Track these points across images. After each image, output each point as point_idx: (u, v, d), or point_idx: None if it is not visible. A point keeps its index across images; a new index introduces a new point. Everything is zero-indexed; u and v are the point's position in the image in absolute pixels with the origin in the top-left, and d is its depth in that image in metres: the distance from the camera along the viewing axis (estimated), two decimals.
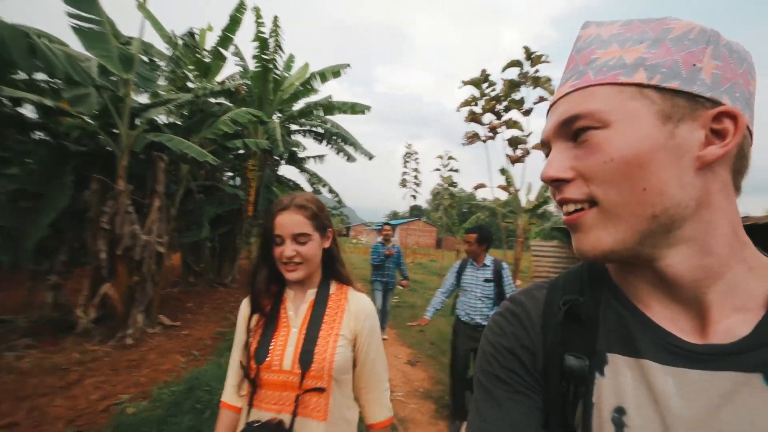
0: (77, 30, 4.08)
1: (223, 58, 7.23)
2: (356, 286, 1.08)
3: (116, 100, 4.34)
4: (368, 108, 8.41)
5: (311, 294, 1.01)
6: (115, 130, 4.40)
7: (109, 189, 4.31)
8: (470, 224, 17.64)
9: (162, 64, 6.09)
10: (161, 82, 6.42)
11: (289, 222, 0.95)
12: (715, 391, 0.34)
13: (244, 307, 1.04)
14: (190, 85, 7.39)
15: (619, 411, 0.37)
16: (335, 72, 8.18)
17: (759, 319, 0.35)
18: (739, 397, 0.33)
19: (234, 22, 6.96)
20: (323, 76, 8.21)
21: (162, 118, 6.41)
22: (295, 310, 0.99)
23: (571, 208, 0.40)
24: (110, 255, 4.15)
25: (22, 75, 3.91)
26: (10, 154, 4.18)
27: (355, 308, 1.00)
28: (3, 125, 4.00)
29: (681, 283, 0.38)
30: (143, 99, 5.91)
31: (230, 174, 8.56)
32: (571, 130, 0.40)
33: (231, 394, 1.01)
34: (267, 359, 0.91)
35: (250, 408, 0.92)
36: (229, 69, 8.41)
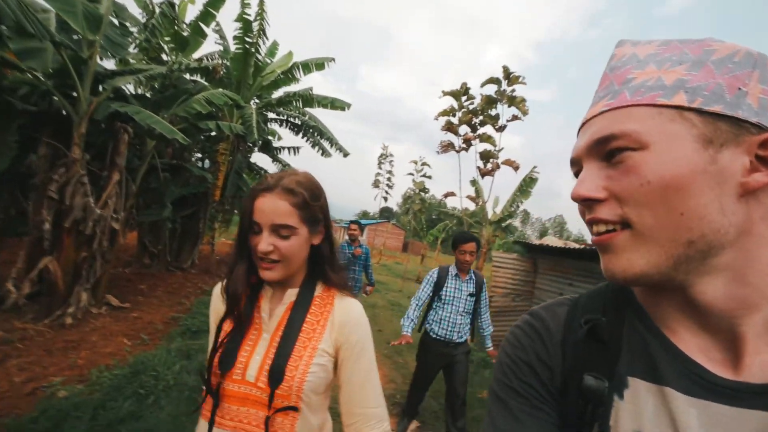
0: None
1: (204, 35, 6.95)
2: (350, 292, 0.91)
3: (78, 61, 4.04)
4: (348, 105, 8.39)
5: (291, 295, 0.85)
6: (73, 93, 4.09)
7: (61, 156, 4.01)
8: (438, 231, 18.02)
9: (134, 30, 5.77)
10: (132, 50, 6.08)
11: (271, 209, 0.77)
12: (741, 429, 0.33)
13: (217, 302, 0.88)
14: (164, 57, 7.04)
15: None
16: (319, 64, 8.10)
17: None
18: None
19: None
20: (306, 67, 8.10)
21: (130, 89, 6.08)
22: (270, 312, 0.83)
23: (602, 228, 0.39)
24: (55, 227, 3.87)
25: None
26: None
27: (341, 316, 0.83)
28: None
29: (714, 312, 0.36)
30: (110, 65, 5.57)
31: (199, 155, 8.23)
32: (605, 150, 0.39)
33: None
34: (231, 367, 0.78)
35: (212, 426, 0.78)
36: (209, 47, 8.06)
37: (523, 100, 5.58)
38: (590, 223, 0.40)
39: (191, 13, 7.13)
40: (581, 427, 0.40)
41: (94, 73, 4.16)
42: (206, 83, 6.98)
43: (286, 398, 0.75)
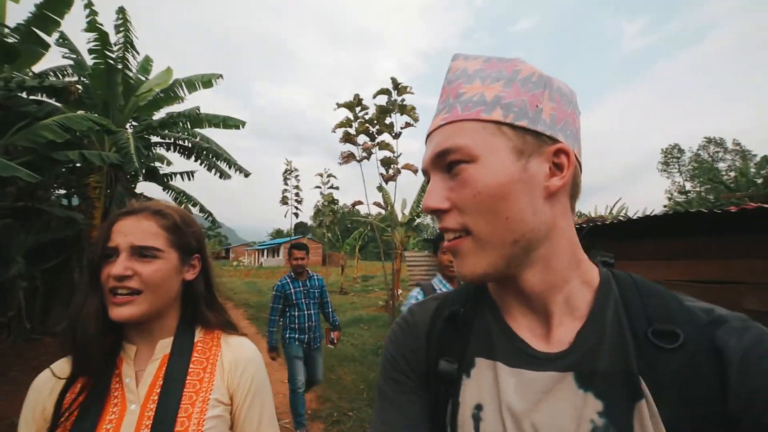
0: None
1: (44, 45, 5.65)
2: (236, 330, 0.81)
3: None
4: (243, 123, 7.96)
5: (164, 346, 0.71)
6: None
7: None
8: (354, 240, 18.23)
9: None
10: None
11: (133, 229, 0.67)
12: (538, 388, 0.40)
13: (42, 384, 0.67)
14: None
15: (478, 408, 0.42)
16: (206, 82, 7.52)
17: (580, 327, 0.41)
18: (554, 392, 0.39)
19: (60, 1, 5.54)
20: (191, 84, 7.45)
21: None
22: (136, 376, 0.68)
23: (451, 236, 0.43)
24: None
25: None
26: None
27: (231, 357, 0.73)
28: None
29: (533, 296, 0.43)
30: None
31: (62, 192, 6.85)
32: (445, 162, 0.43)
33: None
34: None
35: None
36: (53, 60, 6.68)
37: (413, 108, 6.06)
38: (441, 231, 0.44)
39: (17, 14, 5.74)
40: (438, 407, 0.45)
41: None
42: (57, 104, 5.84)
43: None
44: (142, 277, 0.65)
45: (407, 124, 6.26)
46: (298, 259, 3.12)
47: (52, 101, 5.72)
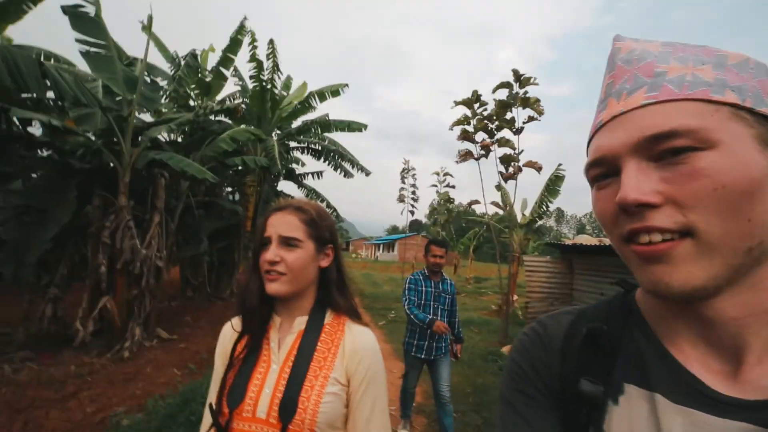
0: (85, 54, 4.32)
1: (224, 78, 7.51)
2: (359, 319, 0.88)
3: (120, 119, 4.53)
4: (365, 126, 8.65)
5: (300, 323, 0.82)
6: (117, 148, 4.57)
7: (110, 204, 4.45)
8: (468, 240, 17.78)
9: (164, 83, 6.35)
10: (164, 101, 6.68)
11: (280, 222, 0.81)
12: None
13: (227, 333, 0.86)
14: (191, 103, 7.66)
15: None
16: (334, 91, 8.45)
17: None
18: None
19: (234, 44, 7.25)
20: (322, 95, 8.48)
21: (164, 136, 6.65)
22: (279, 342, 0.81)
23: (658, 238, 0.34)
24: (110, 269, 4.25)
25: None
26: (15, 169, 4.34)
27: (352, 344, 0.80)
28: (11, 143, 4.18)
29: (722, 323, 0.35)
30: (146, 117, 6.15)
31: (229, 190, 8.72)
32: (660, 149, 0.34)
33: None
34: (240, 403, 0.74)
35: None
36: (229, 88, 8.77)
37: (537, 101, 5.52)
38: (639, 231, 0.34)
39: (212, 59, 7.75)
40: (577, 430, 0.40)
41: (133, 127, 4.63)
42: (230, 122, 7.50)
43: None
44: (286, 262, 0.78)
45: (530, 118, 5.75)
46: (437, 257, 2.73)
47: (226, 120, 7.36)
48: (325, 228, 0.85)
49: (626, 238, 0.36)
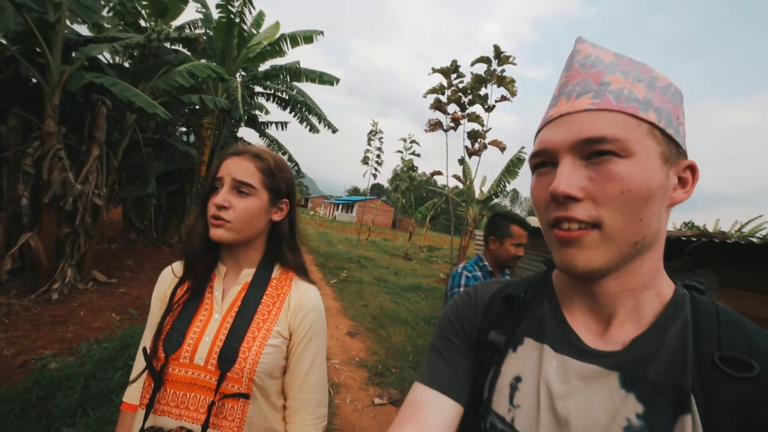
0: None
1: (184, 0, 6.60)
2: (307, 276, 0.88)
3: (44, 24, 3.76)
4: (337, 80, 8.20)
5: (246, 275, 0.82)
6: (42, 61, 3.88)
7: (34, 128, 3.90)
8: (426, 209, 18.18)
9: None
10: (106, 13, 5.75)
11: (235, 167, 0.78)
12: (578, 376, 0.43)
13: (167, 276, 0.85)
14: (142, 23, 6.70)
15: (517, 379, 0.47)
16: (307, 37, 7.83)
17: (639, 333, 0.42)
18: (594, 384, 0.42)
19: None
20: (294, 39, 7.82)
21: (106, 57, 5.81)
22: (223, 291, 0.80)
23: (575, 226, 0.41)
24: (33, 202, 3.81)
25: None
26: None
27: (297, 300, 0.81)
28: None
29: (605, 297, 0.44)
30: (83, 30, 5.28)
31: (183, 130, 8.03)
32: (590, 150, 0.40)
33: (136, 391, 0.83)
34: (178, 349, 0.73)
35: (148, 411, 0.73)
36: (189, 14, 7.75)
37: (512, 81, 5.53)
38: (559, 220, 0.42)
39: None
40: (482, 370, 0.51)
41: (63, 38, 3.94)
42: (188, 53, 6.71)
43: (237, 382, 0.72)
44: (235, 210, 0.76)
45: (503, 98, 5.79)
46: (521, 247, 1.74)
47: (183, 50, 6.58)
48: (281, 180, 0.83)
49: (552, 223, 0.43)
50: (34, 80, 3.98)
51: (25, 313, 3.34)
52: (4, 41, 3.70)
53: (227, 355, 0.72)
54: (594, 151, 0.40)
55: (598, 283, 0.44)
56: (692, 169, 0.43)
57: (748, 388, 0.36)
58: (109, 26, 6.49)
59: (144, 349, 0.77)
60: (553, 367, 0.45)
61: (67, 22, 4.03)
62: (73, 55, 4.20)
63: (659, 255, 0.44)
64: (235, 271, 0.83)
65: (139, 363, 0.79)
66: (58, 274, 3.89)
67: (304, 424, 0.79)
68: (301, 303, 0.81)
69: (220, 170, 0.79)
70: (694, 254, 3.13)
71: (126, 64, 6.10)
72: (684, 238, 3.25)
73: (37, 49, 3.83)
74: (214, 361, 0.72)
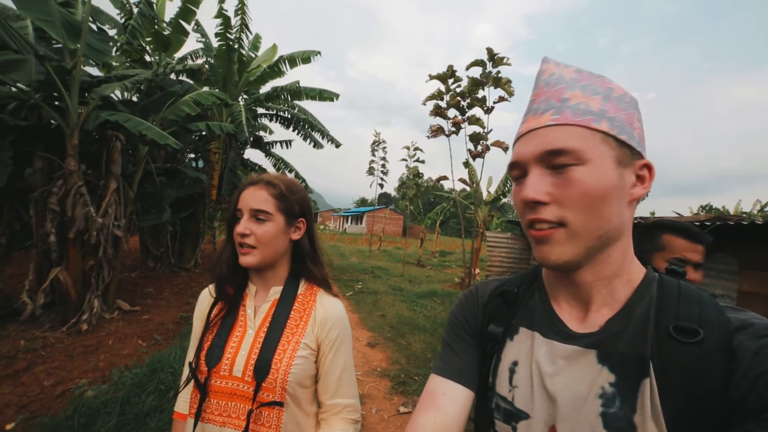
0: None
1: (185, 33, 6.85)
2: (330, 289, 0.94)
3: (62, 71, 4.03)
4: (336, 95, 8.39)
5: (275, 293, 0.89)
6: (61, 105, 4.12)
7: (57, 168, 4.10)
8: (435, 215, 18.20)
9: (113, 33, 5.70)
10: (114, 53, 6.02)
11: (251, 196, 0.86)
12: (563, 357, 0.50)
13: (204, 297, 0.94)
14: (147, 58, 6.99)
15: (515, 364, 0.55)
16: (305, 58, 8.05)
17: (611, 315, 0.49)
18: (576, 362, 0.48)
19: None
20: (293, 61, 8.05)
21: (116, 95, 6.07)
22: (255, 309, 0.88)
23: (545, 226, 0.48)
24: (60, 238, 3.99)
25: None
26: None
27: (323, 313, 0.87)
28: None
29: (582, 286, 0.51)
30: (94, 71, 5.54)
31: (192, 156, 8.27)
32: (553, 161, 0.47)
33: (185, 402, 0.90)
34: (218, 363, 0.81)
35: (197, 420, 0.81)
36: (190, 45, 8.04)
37: (509, 81, 5.61)
38: (532, 221, 0.48)
39: (170, 11, 7.05)
40: (484, 360, 0.59)
41: (79, 82, 4.18)
42: (191, 82, 6.96)
43: (271, 391, 0.79)
44: (256, 235, 0.84)
45: (501, 99, 5.86)
46: (688, 265, 1.14)
47: (187, 80, 6.83)
48: (294, 202, 0.89)
49: (528, 224, 0.49)
50: (53, 123, 4.20)
51: (59, 345, 3.47)
52: (26, 89, 3.92)
53: (261, 367, 0.79)
54: (556, 162, 0.47)
55: (575, 274, 0.51)
56: (648, 167, 0.49)
57: (694, 351, 0.41)
58: (117, 64, 6.79)
59: (190, 364, 0.85)
60: (542, 351, 0.52)
61: (81, 66, 4.26)
62: (87, 95, 4.42)
63: (627, 245, 0.50)
64: (265, 290, 0.90)
65: (185, 375, 0.88)
66: (86, 306, 4.04)
67: (342, 427, 0.85)
68: (326, 316, 0.87)
69: (239, 202, 0.87)
70: (714, 239, 3.11)
71: (134, 98, 6.35)
72: (698, 223, 3.22)
73: (56, 94, 4.05)
74: (250, 373, 0.79)
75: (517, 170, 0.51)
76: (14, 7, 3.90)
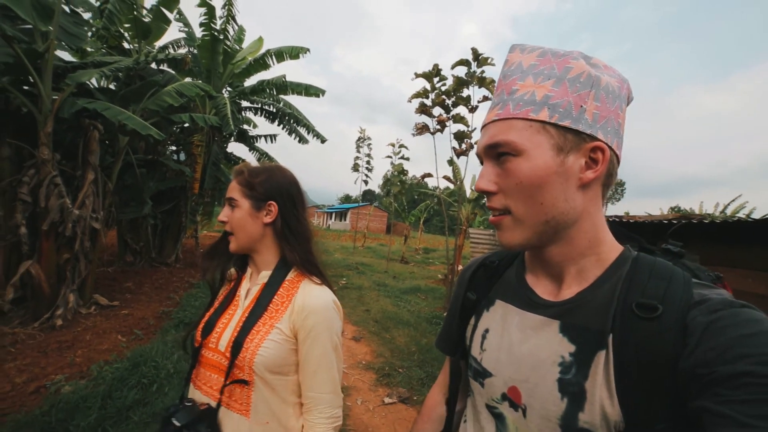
0: None
1: (167, 21, 6.61)
2: (316, 278, 0.90)
3: (33, 54, 3.81)
4: (323, 91, 8.34)
5: (263, 277, 0.92)
6: (32, 90, 3.93)
7: (27, 156, 3.93)
8: (419, 212, 18.33)
9: (88, 17, 5.47)
10: (89, 38, 5.77)
11: (230, 186, 0.93)
12: (531, 326, 0.54)
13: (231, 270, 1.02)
14: (126, 45, 6.73)
15: (486, 331, 0.61)
16: (293, 54, 7.94)
17: (579, 291, 0.52)
18: (540, 331, 0.52)
19: None
20: (280, 56, 7.93)
21: (92, 82, 5.83)
22: (247, 291, 0.93)
23: (496, 213, 0.53)
24: (32, 230, 3.83)
25: None
26: None
27: (301, 301, 0.85)
28: None
29: (552, 263, 0.55)
30: (66, 56, 5.29)
31: (174, 148, 8.04)
32: (495, 153, 0.51)
33: None
34: (208, 335, 0.88)
35: (187, 383, 0.89)
36: (172, 34, 7.82)
37: (492, 81, 5.72)
38: (489, 208, 0.54)
39: None
40: (465, 325, 0.67)
41: (53, 67, 3.99)
42: (173, 72, 6.77)
43: (241, 369, 0.82)
44: (231, 223, 0.90)
45: (485, 98, 5.97)
46: None
47: (170, 70, 6.63)
48: (257, 185, 0.90)
49: (490, 211, 0.55)
50: (24, 109, 4.01)
51: (31, 341, 3.34)
52: None
53: (235, 346, 0.83)
54: (498, 154, 0.51)
55: (544, 253, 0.55)
56: (600, 149, 0.48)
57: (652, 326, 0.43)
58: (92, 50, 6.52)
59: (192, 334, 0.94)
60: (515, 321, 0.57)
61: (54, 51, 4.07)
62: (62, 82, 4.24)
63: (592, 227, 0.52)
64: (256, 274, 0.95)
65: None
66: (60, 300, 3.90)
67: (316, 422, 0.83)
68: (304, 304, 0.85)
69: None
70: (675, 236, 3.30)
71: (111, 86, 6.12)
72: (666, 221, 3.43)
73: (29, 79, 3.87)
74: (229, 349, 0.84)
75: (479, 160, 0.56)
76: None
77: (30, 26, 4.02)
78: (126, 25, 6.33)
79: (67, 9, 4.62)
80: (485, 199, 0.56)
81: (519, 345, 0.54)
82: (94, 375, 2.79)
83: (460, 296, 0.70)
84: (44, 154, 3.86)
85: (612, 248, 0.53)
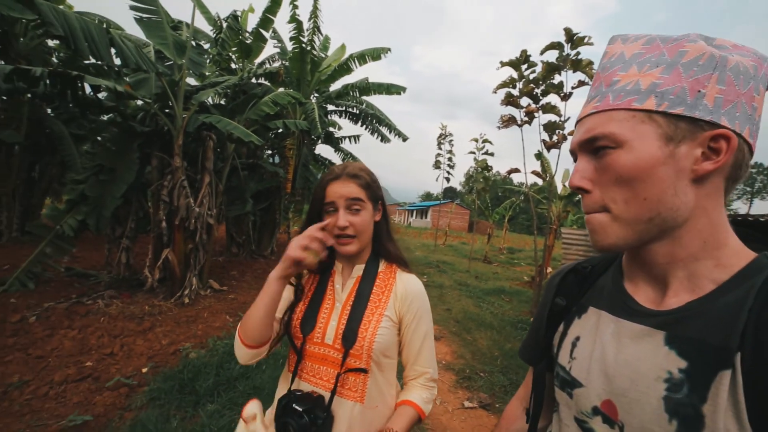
0: (139, 20, 4.50)
1: (264, 40, 7.47)
2: (407, 266, 1.00)
3: (172, 84, 4.75)
4: (403, 89, 8.43)
5: (358, 270, 0.97)
6: (171, 112, 4.84)
7: (167, 165, 4.82)
8: (504, 209, 17.29)
9: (207, 46, 6.47)
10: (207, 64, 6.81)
11: (341, 190, 0.90)
12: (629, 335, 0.48)
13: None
14: (233, 66, 7.77)
15: (577, 338, 0.56)
16: (375, 56, 8.21)
17: (693, 299, 0.45)
18: (640, 342, 0.47)
19: (274, 3, 7.15)
20: (362, 59, 8.28)
21: (209, 100, 6.88)
22: (342, 284, 0.96)
23: (590, 211, 0.49)
24: (169, 224, 4.70)
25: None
26: (85, 132, 4.76)
27: (403, 289, 0.94)
28: (86, 108, 4.60)
29: (654, 266, 0.49)
30: (191, 81, 6.35)
31: (269, 152, 9.02)
32: (593, 147, 0.48)
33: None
34: (312, 331, 0.91)
35: (294, 377, 0.92)
36: (268, 50, 8.78)
37: (590, 63, 5.04)
38: (584, 206, 0.51)
39: (252, 21, 7.75)
40: (553, 332, 0.63)
41: (184, 91, 4.85)
42: (269, 84, 7.59)
43: (358, 358, 0.86)
44: (355, 227, 0.90)
45: (581, 83, 5.32)
46: None
47: (265, 82, 7.46)
48: (377, 187, 0.97)
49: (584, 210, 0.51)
50: (166, 128, 4.95)
51: (170, 313, 4.13)
52: (149, 101, 4.71)
53: (348, 336, 0.87)
54: (595, 147, 0.47)
55: (645, 254, 0.49)
56: (724, 137, 0.42)
57: None
58: (209, 74, 7.70)
59: (289, 332, 0.94)
60: (610, 330, 0.52)
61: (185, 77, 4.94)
62: (189, 102, 5.10)
63: (708, 227, 0.45)
64: (349, 268, 0.98)
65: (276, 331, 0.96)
66: (187, 282, 4.71)
67: (418, 384, 0.96)
68: (406, 291, 0.94)
69: (327, 196, 0.91)
70: None
71: (222, 102, 7.14)
72: None
73: (169, 103, 4.77)
74: (339, 341, 0.87)
75: (573, 156, 0.53)
76: (142, 36, 4.71)
77: (171, 62, 4.96)
78: (233, 49, 7.31)
79: (194, 43, 5.57)
80: (579, 196, 0.52)
81: (614, 355, 0.49)
82: (210, 346, 3.31)
83: (548, 302, 0.65)
84: (177, 163, 4.69)
85: (738, 254, 0.45)
